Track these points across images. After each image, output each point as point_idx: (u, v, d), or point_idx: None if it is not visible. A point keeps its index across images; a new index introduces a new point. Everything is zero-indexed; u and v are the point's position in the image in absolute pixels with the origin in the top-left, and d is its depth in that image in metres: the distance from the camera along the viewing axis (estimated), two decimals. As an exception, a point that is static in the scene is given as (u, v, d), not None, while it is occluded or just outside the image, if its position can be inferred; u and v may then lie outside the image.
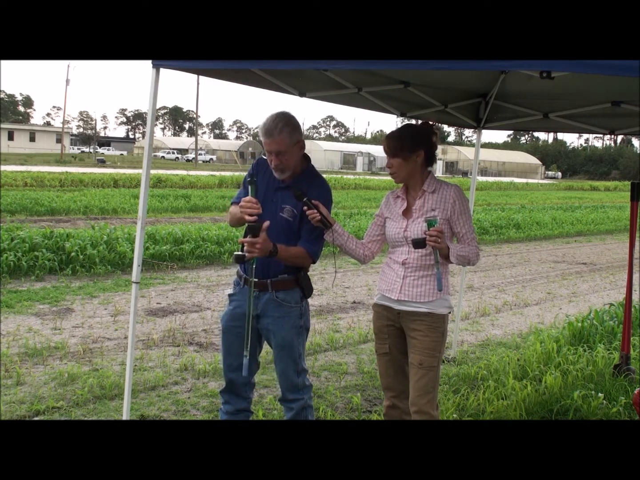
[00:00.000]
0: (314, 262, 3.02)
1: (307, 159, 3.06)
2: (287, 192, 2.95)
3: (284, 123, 2.86)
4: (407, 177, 2.98)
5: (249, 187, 2.82)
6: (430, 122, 3.05)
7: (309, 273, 3.09)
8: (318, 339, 5.83)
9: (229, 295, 3.14)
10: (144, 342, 5.56)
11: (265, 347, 3.23)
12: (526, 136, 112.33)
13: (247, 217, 2.75)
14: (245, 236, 2.80)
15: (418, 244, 2.82)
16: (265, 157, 3.04)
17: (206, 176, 29.78)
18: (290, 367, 3.03)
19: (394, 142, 2.92)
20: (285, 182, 2.99)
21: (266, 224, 2.74)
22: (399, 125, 3.16)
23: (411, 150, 2.91)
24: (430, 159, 3.00)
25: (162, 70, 3.15)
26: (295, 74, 3.85)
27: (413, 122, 4.99)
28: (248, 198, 2.79)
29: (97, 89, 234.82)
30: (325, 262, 9.59)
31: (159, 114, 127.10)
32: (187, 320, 6.40)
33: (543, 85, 3.94)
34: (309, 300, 3.11)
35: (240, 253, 2.85)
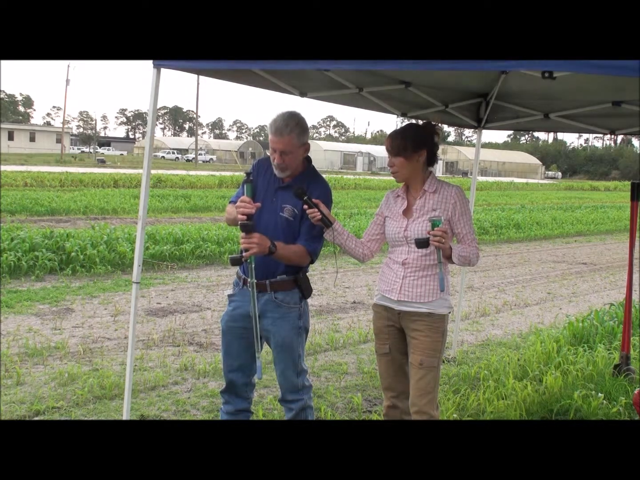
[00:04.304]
0: (312, 262, 3.02)
1: (308, 160, 3.06)
2: (287, 192, 2.95)
3: (295, 124, 2.87)
4: (409, 176, 2.98)
5: (245, 186, 2.83)
6: (433, 122, 3.05)
7: (308, 273, 3.09)
8: (318, 339, 5.83)
9: (229, 296, 3.14)
10: (144, 342, 5.56)
11: (265, 347, 3.23)
12: (526, 136, 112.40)
13: (239, 216, 2.76)
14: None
15: (421, 243, 2.81)
16: (266, 157, 3.04)
17: (206, 176, 29.79)
18: (290, 367, 3.03)
19: (397, 141, 2.92)
20: (285, 181, 2.99)
21: (257, 205, 2.77)
22: (399, 126, 3.16)
23: (414, 149, 2.90)
24: (432, 159, 3.00)
25: (162, 70, 3.15)
26: (296, 74, 3.84)
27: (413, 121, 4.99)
28: (242, 197, 2.81)
29: (97, 89, 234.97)
30: (325, 262, 9.60)
31: (159, 114, 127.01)
32: (187, 320, 6.40)
33: (543, 85, 3.94)
34: (309, 300, 3.11)
35: (236, 255, 2.85)
